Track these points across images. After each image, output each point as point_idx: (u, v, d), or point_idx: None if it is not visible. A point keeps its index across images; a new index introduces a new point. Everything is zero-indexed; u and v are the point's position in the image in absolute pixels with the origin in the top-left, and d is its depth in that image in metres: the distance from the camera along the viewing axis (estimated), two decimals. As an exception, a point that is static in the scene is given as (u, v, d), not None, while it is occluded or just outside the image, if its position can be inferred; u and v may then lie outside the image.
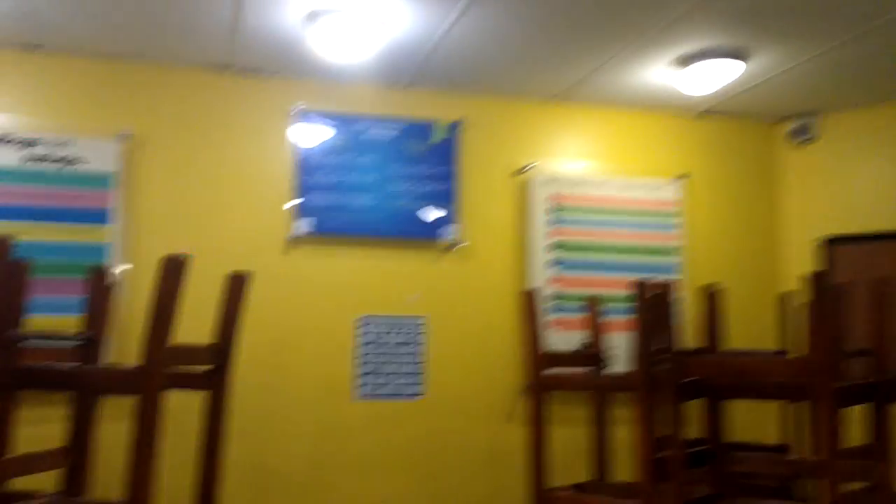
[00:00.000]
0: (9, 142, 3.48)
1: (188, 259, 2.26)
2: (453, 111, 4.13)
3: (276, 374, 3.78)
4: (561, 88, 4.12)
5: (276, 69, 3.86)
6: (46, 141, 3.52)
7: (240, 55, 3.71)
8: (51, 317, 3.32)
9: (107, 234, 3.57)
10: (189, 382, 2.64)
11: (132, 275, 3.61)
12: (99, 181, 3.58)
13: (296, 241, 3.85)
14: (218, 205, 3.80)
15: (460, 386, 4.01)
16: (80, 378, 2.13)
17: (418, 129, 4.07)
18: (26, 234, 3.45)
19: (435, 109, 4.11)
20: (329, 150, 3.93)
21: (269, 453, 3.74)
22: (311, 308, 3.85)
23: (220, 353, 2.65)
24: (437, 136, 4.09)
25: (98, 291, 2.83)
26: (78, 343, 2.75)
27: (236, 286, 2.69)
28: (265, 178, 3.86)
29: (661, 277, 3.62)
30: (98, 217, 3.56)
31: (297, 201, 3.85)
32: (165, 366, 2.18)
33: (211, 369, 2.64)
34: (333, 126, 3.95)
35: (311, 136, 3.91)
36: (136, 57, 3.70)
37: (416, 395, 3.94)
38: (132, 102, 3.72)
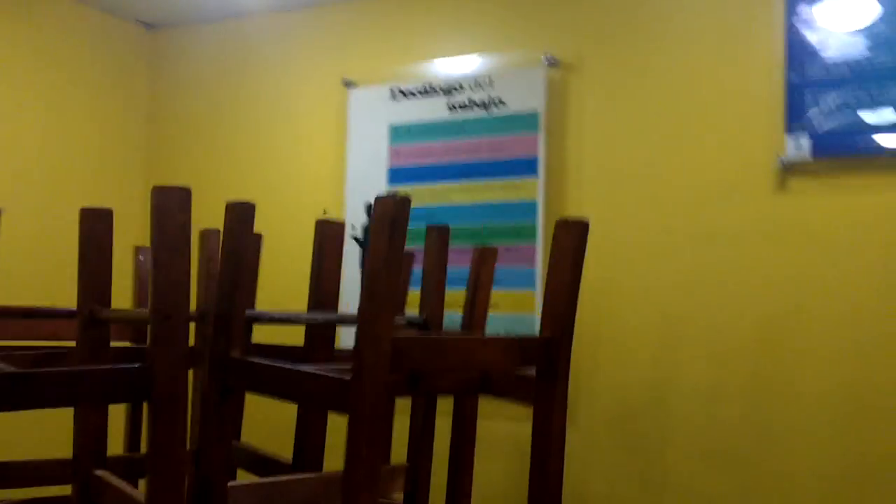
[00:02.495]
0: (433, 92, 3.05)
1: (403, 199, 1.38)
2: None
3: (770, 377, 2.50)
4: None
5: (742, -82, 2.58)
6: (467, 84, 2.98)
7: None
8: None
9: (536, 190, 2.85)
10: (501, 389, 1.74)
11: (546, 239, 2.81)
12: (523, 124, 2.88)
13: (791, 171, 2.50)
14: (668, 137, 2.70)
15: None
16: (288, 382, 1.47)
17: None
18: (457, 195, 2.98)
19: None
20: (840, 23, 2.45)
21: (778, 495, 2.49)
22: (821, 274, 2.45)
23: (547, 348, 1.67)
24: None
25: (483, 261, 2.15)
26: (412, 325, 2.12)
27: (571, 243, 1.67)
28: (737, 87, 2.61)
29: None
30: (526, 168, 2.87)
31: (792, 116, 2.49)
32: (383, 367, 1.36)
33: (536, 373, 1.69)
34: (845, -19, 2.45)
35: (808, 12, 2.49)
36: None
37: None
38: (556, 17, 2.90)
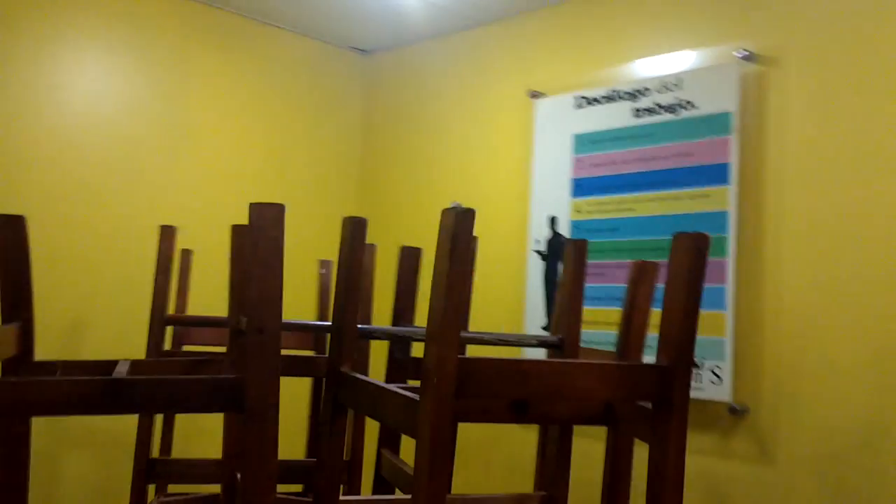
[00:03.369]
0: (617, 98, 2.87)
1: (469, 212, 1.31)
2: None
3: None
4: None
5: None
6: (653, 87, 2.77)
7: None
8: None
9: (727, 199, 2.57)
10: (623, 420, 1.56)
11: (749, 255, 2.51)
12: (713, 127, 2.61)
13: None
14: (890, 137, 2.29)
15: None
16: (373, 399, 1.44)
17: None
18: (642, 206, 2.79)
19: None
20: None
21: None
22: None
23: (662, 377, 1.47)
24: None
25: (641, 277, 2.01)
26: (543, 346, 1.99)
27: (686, 260, 1.47)
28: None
29: None
30: (714, 176, 2.60)
31: None
32: (447, 390, 1.29)
33: (652, 406, 1.50)
34: None
35: None
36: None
37: None
38: (753, 5, 2.59)
